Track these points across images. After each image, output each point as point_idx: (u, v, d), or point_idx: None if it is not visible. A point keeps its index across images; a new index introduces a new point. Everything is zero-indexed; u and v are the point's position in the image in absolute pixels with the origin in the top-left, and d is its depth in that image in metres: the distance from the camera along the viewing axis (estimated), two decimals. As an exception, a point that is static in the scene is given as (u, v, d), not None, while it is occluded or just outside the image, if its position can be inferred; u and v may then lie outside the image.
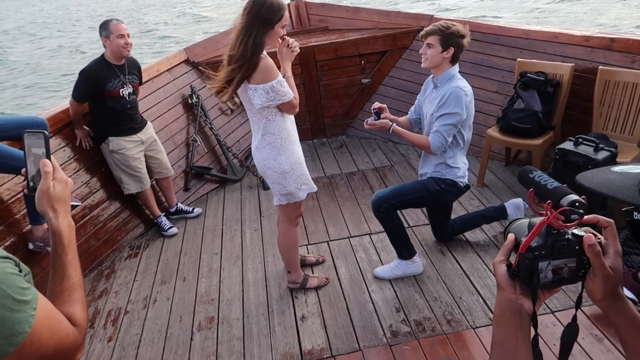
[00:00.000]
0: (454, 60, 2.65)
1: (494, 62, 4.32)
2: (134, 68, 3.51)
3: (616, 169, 0.77)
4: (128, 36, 3.32)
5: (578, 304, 0.82)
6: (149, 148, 3.63)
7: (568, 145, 3.13)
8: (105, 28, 3.28)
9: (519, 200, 3.21)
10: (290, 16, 5.47)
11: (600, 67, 3.50)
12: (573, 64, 3.62)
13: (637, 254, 2.90)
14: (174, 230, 3.76)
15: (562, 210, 0.73)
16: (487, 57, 4.38)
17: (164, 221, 3.77)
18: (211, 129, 4.40)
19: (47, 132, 1.03)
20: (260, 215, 3.88)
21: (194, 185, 4.22)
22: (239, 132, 4.77)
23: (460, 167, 2.81)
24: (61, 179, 1.05)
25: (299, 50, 2.52)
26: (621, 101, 3.41)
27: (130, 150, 3.48)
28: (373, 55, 4.92)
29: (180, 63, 4.58)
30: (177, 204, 3.92)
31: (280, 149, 2.51)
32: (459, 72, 2.72)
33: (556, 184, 0.78)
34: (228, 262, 3.35)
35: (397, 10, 5.21)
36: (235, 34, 2.34)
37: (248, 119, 4.86)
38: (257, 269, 3.23)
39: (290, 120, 2.57)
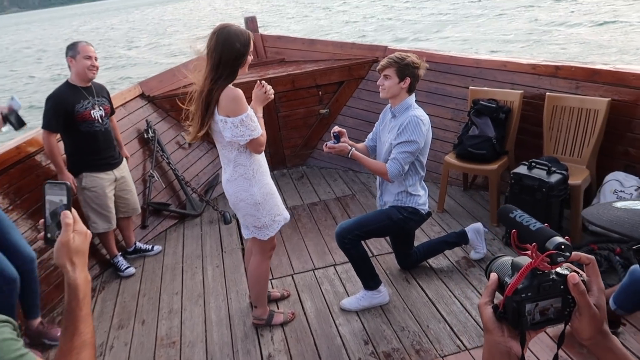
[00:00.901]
0: (410, 90, 2.71)
1: (447, 90, 4.45)
2: (102, 91, 3.43)
3: (619, 205, 0.79)
4: (95, 59, 3.24)
5: (560, 343, 0.81)
6: (120, 187, 3.50)
7: (522, 169, 3.22)
8: (72, 48, 3.19)
9: (479, 225, 3.26)
10: (247, 49, 5.49)
11: (547, 93, 3.66)
12: (522, 91, 3.77)
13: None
14: (132, 270, 3.60)
15: (548, 254, 0.73)
16: (440, 85, 4.51)
17: (121, 261, 3.61)
18: (168, 163, 4.30)
19: (69, 184, 1.01)
20: (222, 251, 3.78)
21: (152, 222, 4.09)
22: (198, 165, 4.68)
23: (421, 195, 2.85)
24: (81, 231, 1.03)
25: (272, 97, 2.56)
26: (568, 125, 3.56)
27: (103, 188, 3.34)
28: (330, 86, 4.98)
29: (135, 97, 4.49)
30: (135, 243, 3.77)
31: (252, 180, 2.49)
32: (415, 101, 2.78)
33: (539, 224, 0.78)
34: (189, 302, 3.23)
35: (352, 42, 5.32)
36: (204, 71, 2.33)
37: (206, 153, 4.83)
38: (221, 307, 3.13)
39: (261, 154, 2.56)
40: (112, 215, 3.44)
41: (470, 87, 4.04)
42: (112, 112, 3.54)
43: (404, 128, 2.61)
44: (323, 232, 3.86)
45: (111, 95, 4.29)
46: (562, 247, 0.74)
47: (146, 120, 4.37)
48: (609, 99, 3.37)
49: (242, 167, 2.47)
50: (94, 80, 3.34)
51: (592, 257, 0.78)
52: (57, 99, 3.15)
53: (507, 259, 0.84)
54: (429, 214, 2.92)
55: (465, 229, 3.24)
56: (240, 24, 4.86)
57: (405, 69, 2.60)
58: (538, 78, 3.89)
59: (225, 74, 2.31)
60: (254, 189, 2.50)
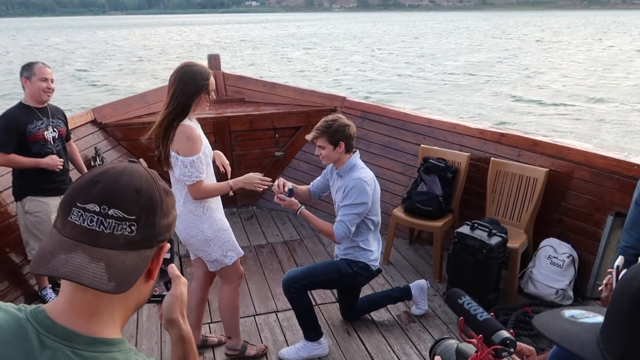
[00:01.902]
0: (348, 149, 2.73)
1: (400, 145, 4.61)
2: (58, 113, 3.32)
3: (568, 314, 0.80)
4: (52, 81, 3.16)
5: None
6: None
7: (465, 229, 3.34)
8: (28, 69, 3.11)
9: (423, 282, 3.32)
10: (207, 85, 5.51)
11: (492, 158, 3.86)
12: (469, 154, 3.96)
13: (526, 335, 3.08)
14: None
15: (494, 348, 0.76)
16: (393, 140, 4.66)
17: (49, 294, 3.39)
18: (114, 193, 4.16)
19: (172, 238, 0.93)
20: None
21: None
22: (145, 198, 4.55)
23: (373, 250, 2.87)
24: (184, 283, 1.01)
25: (260, 190, 2.62)
26: (510, 190, 3.75)
27: (48, 214, 3.16)
28: (287, 130, 5.05)
29: (86, 123, 4.38)
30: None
31: (202, 217, 2.49)
32: (361, 158, 2.83)
33: (485, 315, 0.82)
34: (120, 342, 3.06)
35: (312, 89, 5.45)
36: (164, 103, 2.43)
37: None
38: (153, 350, 2.99)
39: None
40: None
41: (422, 145, 4.20)
42: (68, 136, 3.44)
43: (349, 191, 2.64)
44: (268, 276, 3.81)
45: (62, 119, 4.20)
46: (507, 342, 0.77)
47: (95, 148, 4.25)
48: (547, 169, 3.59)
49: (192, 204, 2.49)
50: (50, 102, 3.26)
51: (532, 348, 0.82)
52: (8, 118, 3.06)
53: (452, 343, 0.86)
54: (379, 271, 2.95)
55: (410, 285, 3.29)
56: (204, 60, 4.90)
57: (335, 135, 2.63)
58: (484, 142, 4.10)
59: (177, 111, 2.38)
60: (204, 225, 2.51)
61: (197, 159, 2.37)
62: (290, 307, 2.93)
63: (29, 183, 3.14)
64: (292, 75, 19.72)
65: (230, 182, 2.55)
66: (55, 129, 3.22)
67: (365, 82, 18.29)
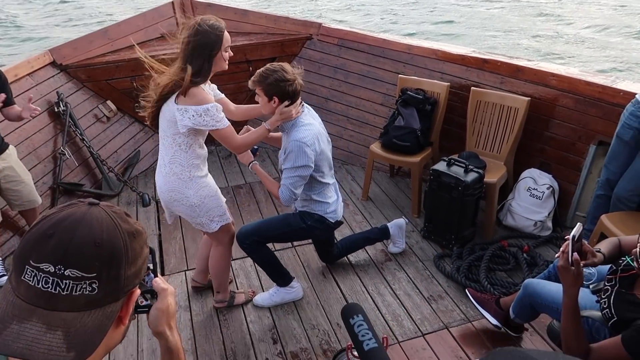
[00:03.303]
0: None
1: (379, 74, 4.38)
2: None
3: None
4: None
5: None
6: (4, 179, 3.09)
7: (441, 166, 3.24)
8: None
9: (401, 221, 3.27)
10: (175, 14, 5.15)
11: (472, 87, 3.67)
12: (448, 84, 3.76)
13: (501, 269, 3.09)
14: (6, 279, 3.21)
15: None
16: (372, 69, 4.43)
17: None
18: (83, 140, 4.02)
19: (152, 248, 0.87)
20: (138, 236, 3.62)
21: (63, 203, 3.82)
22: (116, 142, 4.40)
23: (330, 203, 2.71)
24: (171, 293, 0.98)
25: (292, 118, 2.45)
26: (490, 120, 3.61)
27: None
28: (261, 62, 4.73)
29: (45, 66, 4.11)
30: None
31: (188, 183, 2.39)
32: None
33: (372, 344, 0.73)
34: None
35: (286, 15, 5.10)
36: (177, 62, 2.28)
37: (126, 127, 4.56)
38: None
39: (202, 157, 2.44)
40: None
41: (399, 76, 3.99)
42: (9, 101, 3.05)
43: (288, 154, 2.44)
44: (245, 218, 3.77)
45: (15, 64, 3.95)
46: None
47: (57, 92, 4.02)
48: (529, 98, 3.42)
49: (177, 166, 2.38)
50: None
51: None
52: None
53: None
54: (338, 223, 2.80)
55: (388, 224, 3.24)
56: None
57: (270, 88, 2.37)
58: (466, 69, 3.89)
59: (193, 75, 2.23)
60: (190, 191, 2.41)
61: (213, 106, 2.23)
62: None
63: None
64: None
65: (266, 123, 2.44)
66: None
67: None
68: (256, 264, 3.09)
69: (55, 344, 0.69)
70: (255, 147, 2.61)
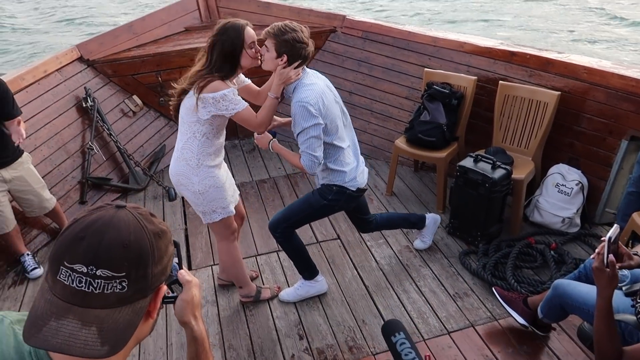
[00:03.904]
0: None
1: (404, 67, 4.33)
2: None
3: None
4: None
5: None
6: (16, 187, 3.10)
7: (468, 162, 3.20)
8: None
9: (438, 217, 3.25)
10: (199, 8, 5.17)
11: (500, 81, 3.60)
12: (475, 77, 3.70)
13: (528, 267, 3.05)
14: (38, 271, 3.23)
15: None
16: (397, 62, 4.38)
17: (28, 260, 3.25)
18: (110, 134, 4.08)
19: (178, 242, 0.93)
20: (165, 230, 3.67)
21: (92, 197, 3.91)
22: (142, 136, 4.47)
23: (347, 170, 2.57)
24: (196, 284, 1.03)
25: (291, 81, 2.39)
26: (518, 115, 3.54)
27: None
28: (285, 55, 4.76)
29: (73, 61, 4.18)
30: None
31: (195, 169, 2.43)
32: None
33: None
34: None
35: (310, 8, 5.07)
36: (202, 60, 2.33)
37: (152, 122, 4.62)
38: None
39: (215, 147, 2.47)
40: (4, 216, 3.06)
41: (425, 69, 3.93)
42: (10, 114, 2.94)
43: (294, 118, 2.37)
44: (269, 213, 3.79)
45: (44, 59, 4.02)
46: None
47: (85, 87, 4.09)
48: (559, 92, 3.34)
49: (188, 152, 2.42)
50: None
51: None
52: None
53: None
54: (360, 191, 2.66)
55: (427, 215, 3.21)
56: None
57: (282, 45, 2.29)
58: (493, 62, 3.81)
59: (217, 72, 2.28)
60: (196, 178, 2.45)
61: (229, 91, 2.26)
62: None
63: None
64: None
65: (270, 93, 2.40)
66: None
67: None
68: (285, 255, 3.09)
69: (90, 339, 0.74)
70: (273, 131, 2.60)
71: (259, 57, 2.37)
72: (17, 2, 16.99)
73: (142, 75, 4.47)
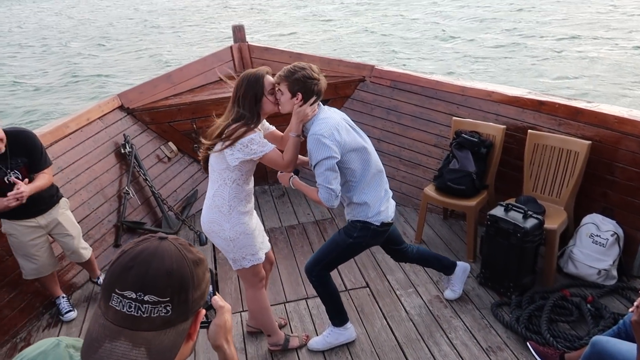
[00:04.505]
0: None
1: (432, 116, 4.40)
2: (19, 149, 2.91)
3: None
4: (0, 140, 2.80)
5: None
6: (53, 232, 3.16)
7: (499, 211, 3.19)
8: None
9: (468, 266, 3.22)
10: (233, 59, 5.40)
11: (529, 130, 3.61)
12: (504, 127, 3.72)
13: (564, 321, 2.96)
14: (72, 314, 3.31)
15: None
16: (425, 110, 4.45)
17: (62, 303, 3.33)
18: (145, 179, 4.22)
19: (213, 270, 0.99)
20: (195, 275, 3.72)
21: (125, 240, 4.01)
22: (176, 181, 4.60)
23: (370, 205, 2.55)
24: (228, 310, 1.10)
25: (308, 117, 2.45)
26: (549, 164, 3.52)
27: (24, 235, 3.01)
28: (315, 103, 4.90)
29: (114, 110, 4.39)
30: (98, 277, 3.57)
31: (227, 216, 2.48)
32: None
33: None
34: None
35: (339, 58, 5.23)
36: (227, 110, 2.44)
37: (185, 167, 4.76)
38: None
39: (246, 193, 2.52)
40: (42, 262, 3.13)
41: (454, 118, 3.98)
42: (37, 167, 2.99)
43: (309, 152, 2.40)
44: (298, 259, 3.81)
45: (88, 108, 4.24)
46: None
47: (124, 134, 4.28)
48: (590, 141, 3.33)
49: (220, 199, 2.48)
50: (17, 131, 2.96)
51: None
52: None
53: None
54: (385, 225, 2.61)
55: (457, 262, 3.18)
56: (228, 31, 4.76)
57: (294, 84, 2.37)
58: (522, 111, 3.84)
59: (243, 120, 2.36)
60: (227, 224, 2.49)
61: (256, 135, 2.34)
62: (319, 293, 2.91)
63: None
64: (325, 39, 18.45)
65: (291, 133, 2.47)
66: (16, 170, 2.91)
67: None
68: (314, 303, 3.11)
69: (140, 358, 0.83)
70: (296, 169, 2.64)
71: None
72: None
73: (178, 122, 4.65)
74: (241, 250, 2.55)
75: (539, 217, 3.12)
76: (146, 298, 0.84)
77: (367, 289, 3.41)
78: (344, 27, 20.85)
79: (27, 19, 34.84)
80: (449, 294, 3.25)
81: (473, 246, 3.61)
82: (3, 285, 3.21)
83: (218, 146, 2.38)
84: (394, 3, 26.92)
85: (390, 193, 2.71)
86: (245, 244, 2.54)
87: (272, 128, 2.76)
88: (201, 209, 2.63)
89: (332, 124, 2.39)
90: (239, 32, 5.41)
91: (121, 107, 4.48)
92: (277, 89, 2.43)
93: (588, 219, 3.40)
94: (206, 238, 4.10)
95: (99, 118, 4.22)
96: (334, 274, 2.83)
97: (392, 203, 2.71)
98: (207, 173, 2.55)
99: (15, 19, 35.82)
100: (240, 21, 5.53)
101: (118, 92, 4.64)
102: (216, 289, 1.12)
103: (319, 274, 2.73)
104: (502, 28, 16.97)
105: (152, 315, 0.84)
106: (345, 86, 4.89)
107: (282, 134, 2.76)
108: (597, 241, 3.30)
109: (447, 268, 3.17)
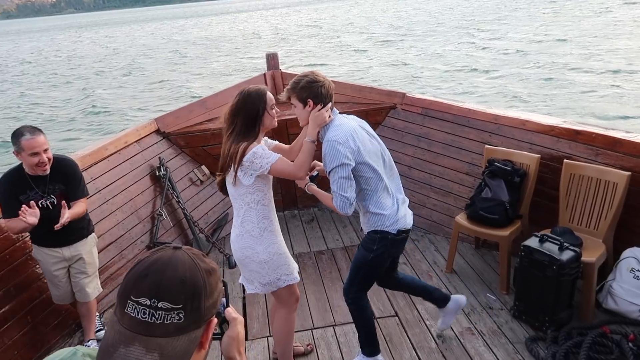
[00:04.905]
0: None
1: (464, 144, 4.36)
2: (60, 176, 2.95)
3: None
4: (45, 152, 2.80)
5: None
6: (73, 265, 3.11)
7: (533, 242, 3.10)
8: (15, 142, 2.76)
9: (463, 299, 3.11)
10: (266, 84, 5.51)
11: (565, 160, 3.54)
12: (539, 156, 3.65)
13: (604, 359, 2.83)
14: (103, 334, 3.26)
15: None
16: (457, 138, 4.42)
17: (95, 322, 3.33)
18: (178, 202, 4.30)
19: (225, 281, 1.04)
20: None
21: (157, 261, 4.07)
22: (208, 204, 4.67)
23: (387, 214, 2.52)
24: (240, 322, 1.11)
25: (325, 122, 2.46)
26: (586, 195, 3.43)
27: (48, 264, 3.03)
28: (346, 130, 4.93)
29: (151, 133, 4.52)
30: (89, 341, 3.27)
31: (259, 239, 2.48)
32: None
33: None
34: None
35: (370, 86, 5.28)
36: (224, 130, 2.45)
37: (217, 190, 4.82)
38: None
39: (271, 210, 2.54)
40: (64, 290, 3.13)
41: (486, 146, 3.94)
42: (77, 194, 3.02)
43: (324, 158, 2.40)
44: (326, 285, 3.78)
45: (126, 132, 4.38)
46: None
47: (159, 157, 4.39)
48: (630, 173, 3.23)
49: (249, 224, 2.48)
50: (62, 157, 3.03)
51: None
52: (5, 186, 2.87)
53: None
54: (401, 232, 2.56)
55: (451, 296, 3.08)
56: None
57: (302, 92, 2.39)
58: (557, 141, 3.77)
59: (244, 136, 2.39)
60: (260, 247, 2.49)
61: (258, 148, 2.35)
62: (348, 320, 2.88)
63: (31, 232, 3.00)
64: (355, 69, 18.75)
65: (307, 138, 2.46)
66: (52, 195, 2.93)
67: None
68: (342, 330, 3.06)
69: None
70: (314, 174, 2.62)
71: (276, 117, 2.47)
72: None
73: (211, 146, 4.75)
74: (276, 272, 2.54)
75: (576, 249, 3.02)
76: (160, 305, 0.87)
77: (396, 317, 3.35)
78: (375, 57, 21.14)
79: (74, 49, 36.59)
80: (440, 324, 3.14)
81: (506, 277, 3.51)
82: (39, 302, 3.29)
83: (230, 173, 2.40)
84: (429, 34, 27.21)
85: (407, 201, 2.69)
86: (279, 264, 2.54)
87: (276, 142, 2.76)
88: (230, 233, 2.65)
89: (348, 130, 2.39)
90: (272, 59, 5.53)
91: (157, 131, 4.61)
92: (290, 104, 2.48)
93: (629, 252, 3.28)
94: (235, 261, 4.12)
95: (136, 141, 4.35)
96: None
97: (410, 213, 2.67)
98: (227, 196, 2.56)
99: (56, 47, 37.67)
100: (274, 49, 5.67)
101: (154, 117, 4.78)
102: (228, 300, 1.11)
103: (355, 296, 2.71)
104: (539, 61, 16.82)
105: (165, 321, 0.87)
106: (376, 113, 4.91)
107: (287, 146, 2.78)
108: (638, 276, 3.16)
109: (437, 301, 3.06)
